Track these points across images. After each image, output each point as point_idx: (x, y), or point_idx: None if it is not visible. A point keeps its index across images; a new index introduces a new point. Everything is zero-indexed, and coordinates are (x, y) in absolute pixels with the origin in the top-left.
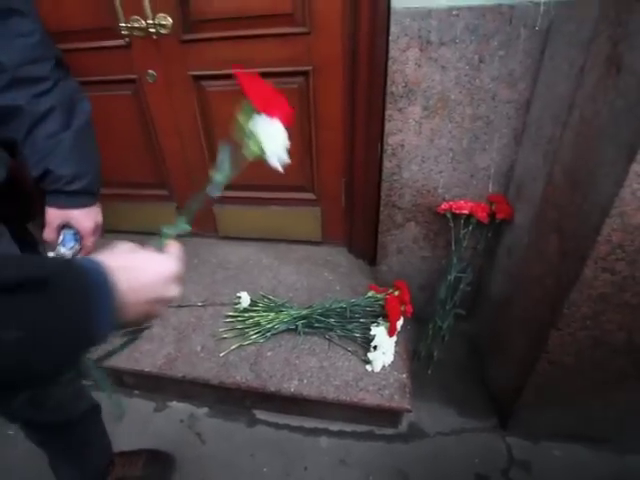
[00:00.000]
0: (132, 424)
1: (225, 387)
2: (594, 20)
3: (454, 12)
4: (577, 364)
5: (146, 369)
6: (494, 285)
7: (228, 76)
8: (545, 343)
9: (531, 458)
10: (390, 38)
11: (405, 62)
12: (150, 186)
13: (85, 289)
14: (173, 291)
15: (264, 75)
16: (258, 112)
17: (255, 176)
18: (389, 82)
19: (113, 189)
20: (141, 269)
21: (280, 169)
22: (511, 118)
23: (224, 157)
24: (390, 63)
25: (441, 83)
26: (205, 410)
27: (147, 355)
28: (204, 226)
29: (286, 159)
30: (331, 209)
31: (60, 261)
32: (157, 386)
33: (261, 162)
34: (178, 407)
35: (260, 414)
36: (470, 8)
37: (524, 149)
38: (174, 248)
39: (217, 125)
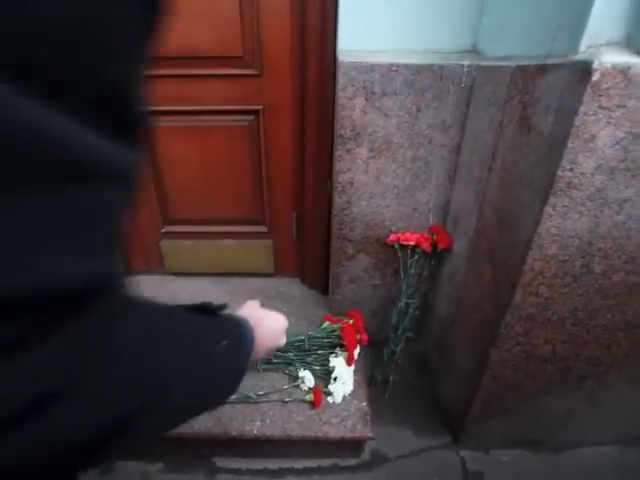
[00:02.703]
0: None
1: (183, 438)
2: (507, 85)
3: (394, 68)
4: (514, 376)
5: None
6: (439, 308)
7: (176, 112)
8: (487, 360)
9: (483, 468)
10: (338, 87)
11: (352, 109)
12: None
13: (242, 337)
14: (283, 340)
15: (215, 113)
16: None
17: (204, 210)
18: (338, 126)
19: None
20: (267, 323)
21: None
22: (445, 160)
23: None
24: (339, 109)
25: (385, 128)
26: (159, 466)
27: None
28: (150, 262)
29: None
30: (283, 241)
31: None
32: None
33: (209, 196)
34: (128, 467)
35: (220, 461)
36: (407, 65)
37: (458, 187)
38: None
39: (164, 160)
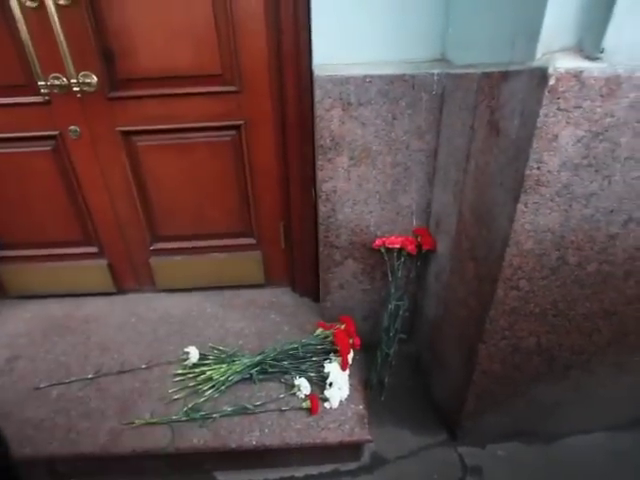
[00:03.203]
0: None
1: (183, 454)
2: (475, 91)
3: (368, 79)
4: (503, 370)
5: (86, 451)
6: (428, 308)
7: (159, 131)
8: (476, 356)
9: (481, 463)
10: (315, 100)
11: (330, 120)
12: (76, 244)
13: None
14: None
15: (197, 130)
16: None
17: (192, 225)
18: (318, 136)
19: (33, 250)
20: None
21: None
22: (423, 164)
23: None
24: (317, 121)
25: (363, 137)
26: None
27: (86, 434)
28: (140, 280)
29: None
30: (272, 252)
31: None
32: (99, 468)
33: (197, 211)
34: None
35: (221, 475)
36: (380, 76)
37: (437, 189)
38: None
39: (150, 179)
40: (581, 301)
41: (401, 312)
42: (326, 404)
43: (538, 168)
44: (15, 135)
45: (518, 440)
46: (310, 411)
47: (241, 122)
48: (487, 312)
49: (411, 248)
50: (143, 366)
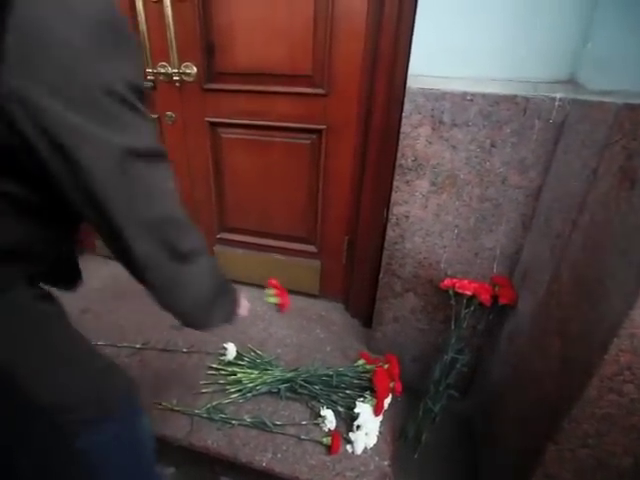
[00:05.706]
0: None
1: (197, 451)
2: (609, 126)
3: (468, 97)
4: None
5: None
6: (493, 370)
7: (243, 126)
8: (542, 454)
9: None
10: (403, 114)
11: (416, 138)
12: None
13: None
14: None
15: (279, 129)
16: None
17: (259, 222)
18: (399, 155)
19: None
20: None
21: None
22: (520, 203)
23: None
24: (401, 137)
25: (451, 162)
26: (171, 470)
27: None
28: None
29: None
30: (331, 264)
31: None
32: None
33: (265, 209)
34: None
35: None
36: (484, 95)
37: (532, 236)
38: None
39: (227, 170)
40: None
41: (458, 366)
42: (348, 447)
43: None
44: None
45: None
46: (329, 449)
47: (323, 127)
48: (569, 409)
49: (485, 298)
50: (184, 350)
